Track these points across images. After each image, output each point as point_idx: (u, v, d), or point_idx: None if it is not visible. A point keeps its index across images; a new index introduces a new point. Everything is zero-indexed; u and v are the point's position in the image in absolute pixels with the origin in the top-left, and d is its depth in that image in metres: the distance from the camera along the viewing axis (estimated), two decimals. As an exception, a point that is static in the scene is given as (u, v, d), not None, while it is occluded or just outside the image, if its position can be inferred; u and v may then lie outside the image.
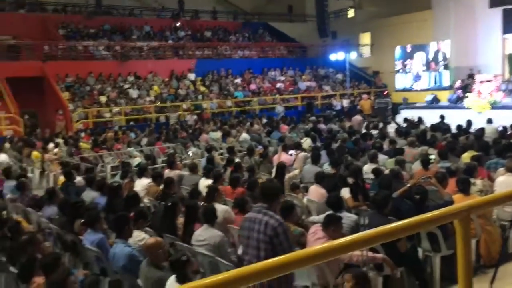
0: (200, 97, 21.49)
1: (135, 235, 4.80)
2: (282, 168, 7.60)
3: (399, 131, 11.44)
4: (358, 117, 17.06)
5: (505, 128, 11.51)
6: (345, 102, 22.78)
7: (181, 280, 3.57)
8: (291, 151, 8.97)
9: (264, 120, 17.89)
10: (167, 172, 8.17)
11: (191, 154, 11.55)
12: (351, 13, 29.37)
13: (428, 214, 1.78)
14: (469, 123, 12.57)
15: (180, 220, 5.37)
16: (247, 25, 28.97)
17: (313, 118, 17.01)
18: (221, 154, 11.82)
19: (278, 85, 24.28)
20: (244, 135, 13.95)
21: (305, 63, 26.58)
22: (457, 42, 21.50)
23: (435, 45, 21.77)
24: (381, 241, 1.70)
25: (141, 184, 7.55)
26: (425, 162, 7.26)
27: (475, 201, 1.96)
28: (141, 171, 7.98)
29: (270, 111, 21.37)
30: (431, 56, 21.89)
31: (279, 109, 21.06)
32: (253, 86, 23.52)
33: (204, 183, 7.27)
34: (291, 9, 31.25)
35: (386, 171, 7.14)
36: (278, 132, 14.38)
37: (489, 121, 12.60)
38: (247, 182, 6.86)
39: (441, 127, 12.06)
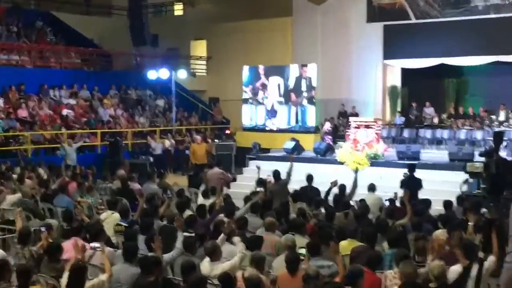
0: None
1: None
2: (81, 272, 7.03)
3: (255, 206, 11.01)
4: (216, 170, 16.29)
5: (392, 200, 11.92)
6: (169, 144, 22.83)
7: None
8: (94, 244, 8.33)
9: (42, 171, 16.70)
10: None
11: None
12: (179, 10, 30.15)
13: None
14: (342, 188, 12.50)
15: None
16: (15, 13, 27.35)
17: (122, 172, 16.42)
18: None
19: (65, 112, 23.39)
20: (11, 198, 12.59)
21: (109, 81, 26.07)
22: (326, 66, 23.20)
23: (296, 69, 22.85)
24: None
25: None
26: (293, 263, 7.35)
27: None
28: None
29: (52, 156, 20.44)
30: (291, 83, 22.89)
31: (70, 151, 19.85)
32: (23, 113, 22.26)
33: None
34: (88, -5, 30.87)
35: (238, 273, 7.14)
36: (65, 194, 13.22)
37: (371, 188, 12.86)
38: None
39: (310, 195, 12.17)
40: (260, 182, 14.05)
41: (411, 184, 12.91)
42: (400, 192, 12.20)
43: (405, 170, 14.00)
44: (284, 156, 19.72)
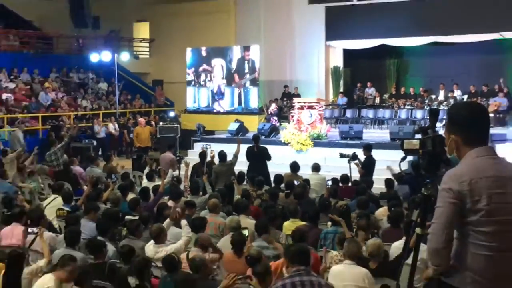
0: None
1: None
2: (18, 259, 6.89)
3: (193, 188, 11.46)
4: (168, 155, 16.07)
5: (335, 181, 12.07)
6: (112, 127, 22.79)
7: None
8: (32, 229, 8.15)
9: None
10: None
11: None
12: (120, -9, 29.63)
13: None
14: (294, 168, 12.94)
15: None
16: None
17: (65, 156, 15.95)
18: None
19: (5, 96, 22.76)
20: None
21: (50, 64, 25.59)
22: (269, 48, 23.56)
23: (239, 50, 23.05)
24: None
25: None
26: (239, 243, 7.39)
27: None
28: None
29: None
30: (234, 65, 23.05)
31: (19, 135, 19.30)
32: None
33: None
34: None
35: (183, 255, 7.27)
36: (4, 179, 12.77)
37: (316, 168, 13.07)
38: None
39: (255, 178, 11.96)
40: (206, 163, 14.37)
41: (369, 164, 13.25)
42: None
43: (349, 150, 14.07)
44: (229, 138, 19.84)
